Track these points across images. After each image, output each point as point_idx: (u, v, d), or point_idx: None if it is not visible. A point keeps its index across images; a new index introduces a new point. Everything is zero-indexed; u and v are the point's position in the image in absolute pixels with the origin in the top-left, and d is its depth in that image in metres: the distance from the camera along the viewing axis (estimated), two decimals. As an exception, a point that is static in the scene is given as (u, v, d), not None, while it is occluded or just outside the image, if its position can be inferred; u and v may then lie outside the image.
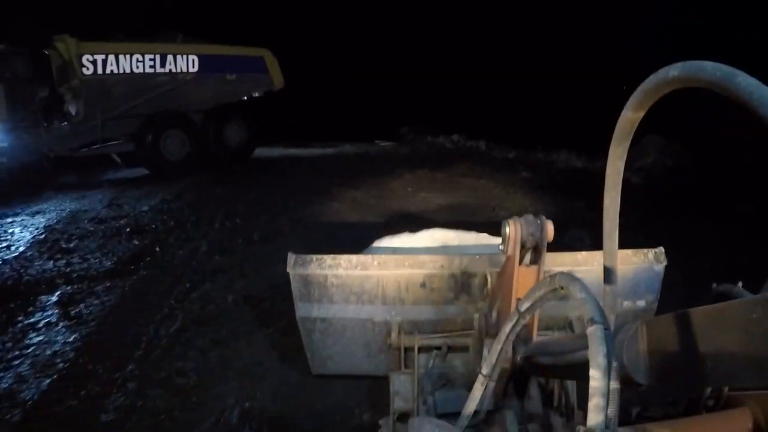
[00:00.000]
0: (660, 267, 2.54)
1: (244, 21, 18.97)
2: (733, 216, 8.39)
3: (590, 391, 0.77)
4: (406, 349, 2.56)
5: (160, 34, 12.54)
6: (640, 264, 2.52)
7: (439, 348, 2.53)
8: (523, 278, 1.93)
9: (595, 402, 0.75)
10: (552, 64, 19.17)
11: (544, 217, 1.89)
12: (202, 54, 12.47)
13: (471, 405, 1.39)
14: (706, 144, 11.22)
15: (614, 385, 0.76)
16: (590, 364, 0.79)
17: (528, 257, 1.96)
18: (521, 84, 18.85)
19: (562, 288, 1.04)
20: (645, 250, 2.55)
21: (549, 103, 17.53)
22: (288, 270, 2.49)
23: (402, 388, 2.52)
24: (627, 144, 1.00)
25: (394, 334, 2.53)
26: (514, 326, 1.30)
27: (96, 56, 11.25)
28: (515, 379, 1.90)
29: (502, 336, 1.34)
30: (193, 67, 12.38)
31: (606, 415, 0.73)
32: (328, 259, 2.51)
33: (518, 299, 1.83)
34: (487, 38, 21.83)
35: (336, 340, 2.61)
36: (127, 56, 11.60)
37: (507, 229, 1.86)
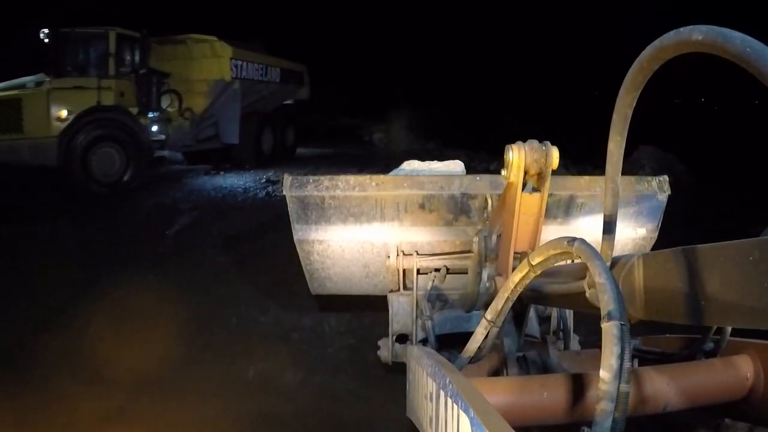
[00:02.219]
0: (663, 196, 2.49)
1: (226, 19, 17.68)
2: (746, 236, 7.77)
3: (598, 393, 0.73)
4: (404, 271, 2.57)
5: (252, 43, 13.37)
6: (644, 192, 2.46)
7: (438, 270, 2.53)
8: (526, 205, 1.88)
9: (602, 406, 0.71)
10: (535, 72, 18.17)
11: (549, 143, 1.81)
12: (281, 67, 14.16)
13: (472, 345, 1.39)
14: (698, 154, 10.54)
15: (625, 388, 0.71)
16: (602, 363, 0.74)
17: (531, 184, 1.90)
18: (503, 93, 17.89)
19: (580, 258, 0.98)
20: (649, 178, 2.48)
21: (531, 111, 16.60)
22: (284, 192, 2.43)
23: (401, 309, 2.55)
24: (637, 93, 0.94)
25: (392, 256, 2.53)
26: (523, 278, 1.26)
27: (238, 61, 12.11)
28: (513, 307, 1.90)
29: (510, 285, 1.30)
30: (277, 78, 13.98)
31: (613, 419, 0.69)
32: (326, 180, 2.45)
33: (529, 252, 1.80)
34: (470, 48, 20.61)
35: (335, 261, 2.61)
36: (251, 64, 12.70)
37: (510, 155, 1.78)
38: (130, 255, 6.11)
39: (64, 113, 9.39)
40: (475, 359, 1.43)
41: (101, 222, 7.83)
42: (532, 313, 2.11)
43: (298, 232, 2.52)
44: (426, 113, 18.96)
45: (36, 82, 9.59)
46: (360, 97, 20.66)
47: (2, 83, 9.68)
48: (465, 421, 0.90)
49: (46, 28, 9.85)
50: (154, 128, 10.92)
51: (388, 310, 2.60)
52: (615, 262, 1.13)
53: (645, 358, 1.49)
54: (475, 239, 2.36)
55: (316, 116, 18.62)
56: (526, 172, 1.81)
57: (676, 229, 2.62)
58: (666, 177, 2.51)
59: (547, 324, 2.29)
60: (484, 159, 14.51)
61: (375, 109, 20.02)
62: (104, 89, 9.84)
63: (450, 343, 2.29)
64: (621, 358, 0.73)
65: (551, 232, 2.39)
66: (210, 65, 11.76)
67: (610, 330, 0.77)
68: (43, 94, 9.39)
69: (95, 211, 8.51)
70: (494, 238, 2.18)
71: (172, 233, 7.15)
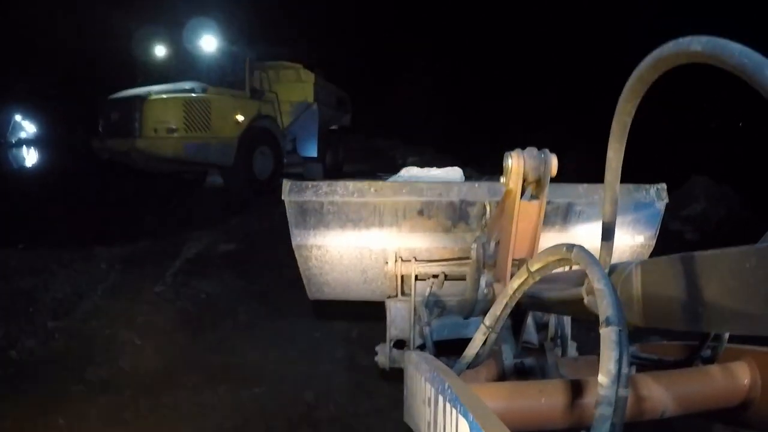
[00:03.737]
0: (661, 204, 2.50)
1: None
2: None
3: (597, 398, 0.73)
4: (403, 277, 2.57)
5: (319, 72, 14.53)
6: (642, 199, 2.48)
7: (436, 276, 2.54)
8: (524, 212, 1.89)
9: (600, 411, 0.71)
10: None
11: (548, 151, 1.82)
12: (337, 94, 15.54)
13: (470, 351, 1.39)
14: (751, 184, 9.46)
15: (623, 393, 0.72)
16: (600, 368, 0.75)
17: (530, 191, 1.91)
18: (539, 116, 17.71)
19: (579, 264, 0.99)
20: (647, 186, 2.50)
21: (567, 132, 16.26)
22: (283, 197, 2.44)
23: (399, 315, 2.55)
24: (636, 102, 0.95)
25: (391, 262, 2.53)
26: (522, 284, 1.26)
27: (318, 87, 13.61)
28: (511, 313, 1.91)
29: (509, 292, 1.30)
30: (335, 103, 15.34)
31: (611, 423, 0.70)
32: (324, 186, 2.46)
33: (527, 258, 1.80)
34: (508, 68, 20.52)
35: (333, 266, 2.61)
36: (323, 89, 14.08)
37: (509, 162, 1.79)
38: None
39: (240, 117, 10.79)
40: (473, 365, 1.43)
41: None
42: (530, 320, 2.11)
43: (297, 238, 2.53)
44: (462, 138, 18.88)
45: (202, 88, 10.48)
46: (395, 119, 20.70)
47: (160, 86, 10.39)
48: (464, 426, 0.90)
49: (205, 39, 10.99)
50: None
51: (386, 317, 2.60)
52: (613, 268, 1.14)
53: (642, 364, 1.50)
54: (474, 246, 2.36)
55: (352, 137, 18.93)
56: (524, 180, 1.82)
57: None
58: (664, 185, 2.52)
59: (545, 330, 2.29)
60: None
61: (410, 131, 20.04)
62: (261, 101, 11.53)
63: (447, 349, 2.29)
64: (619, 363, 0.74)
65: (550, 239, 2.40)
66: (294, 88, 13.35)
67: (608, 335, 0.78)
68: (228, 99, 10.66)
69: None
70: (492, 244, 2.19)
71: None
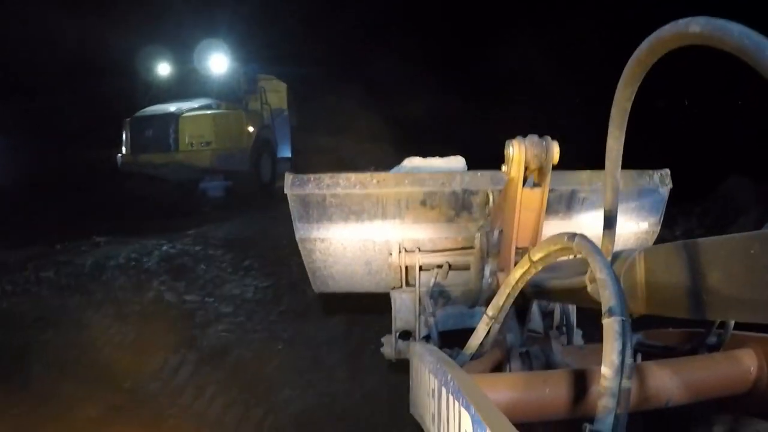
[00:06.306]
0: (665, 189, 2.48)
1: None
2: None
3: (600, 389, 0.73)
4: (407, 268, 2.57)
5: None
6: (645, 185, 2.46)
7: (440, 266, 2.53)
8: (527, 200, 1.88)
9: (604, 403, 0.71)
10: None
11: (549, 138, 1.81)
12: (289, 96, 15.46)
13: (474, 341, 1.39)
14: None
15: (626, 384, 0.71)
16: (603, 359, 0.74)
17: (532, 179, 1.90)
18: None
19: (581, 253, 0.97)
20: (650, 171, 2.47)
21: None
22: (285, 191, 2.43)
23: (404, 306, 2.55)
24: (635, 87, 0.94)
25: (394, 253, 2.53)
26: (524, 274, 1.25)
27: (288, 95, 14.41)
28: (516, 302, 1.90)
29: (511, 281, 1.30)
30: (287, 104, 15.31)
31: (615, 415, 0.69)
32: (326, 178, 2.44)
33: (531, 247, 1.80)
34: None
35: (337, 259, 2.61)
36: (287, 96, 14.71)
37: (511, 150, 1.78)
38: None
39: (251, 129, 11.69)
40: (476, 355, 1.43)
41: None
42: (535, 308, 2.10)
43: (300, 231, 2.52)
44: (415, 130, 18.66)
45: (217, 104, 11.15)
46: (343, 115, 20.44)
47: (181, 103, 10.93)
48: (466, 418, 0.90)
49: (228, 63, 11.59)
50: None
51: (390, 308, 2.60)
52: (616, 256, 1.13)
53: (648, 352, 1.49)
54: (477, 235, 2.35)
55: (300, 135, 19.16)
56: (526, 168, 1.81)
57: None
58: (668, 170, 2.50)
59: (550, 319, 2.28)
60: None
61: (358, 127, 19.79)
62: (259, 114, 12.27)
63: (453, 339, 2.29)
64: (622, 353, 0.73)
65: (553, 227, 2.38)
66: (271, 97, 13.69)
67: (611, 326, 0.77)
68: (241, 113, 11.49)
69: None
70: (496, 233, 2.18)
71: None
